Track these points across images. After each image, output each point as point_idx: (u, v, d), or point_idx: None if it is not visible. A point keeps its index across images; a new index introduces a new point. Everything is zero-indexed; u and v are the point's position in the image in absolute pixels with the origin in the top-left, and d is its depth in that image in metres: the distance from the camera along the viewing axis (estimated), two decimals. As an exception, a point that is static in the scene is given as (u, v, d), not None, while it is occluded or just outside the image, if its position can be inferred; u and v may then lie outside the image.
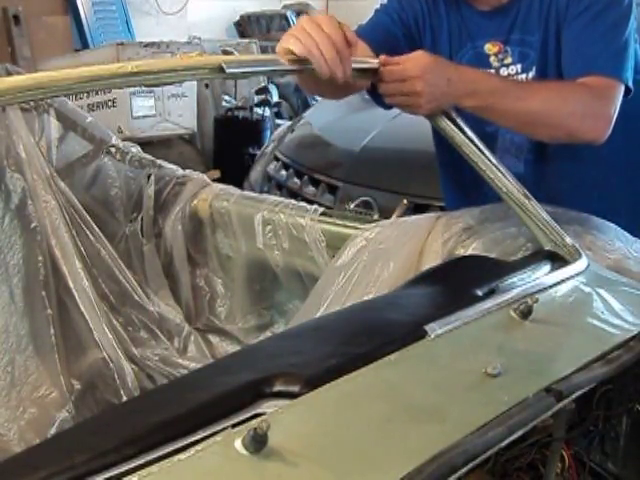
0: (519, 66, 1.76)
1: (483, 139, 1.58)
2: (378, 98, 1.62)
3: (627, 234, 1.65)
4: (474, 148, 1.58)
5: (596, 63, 1.62)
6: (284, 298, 2.35)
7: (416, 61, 1.51)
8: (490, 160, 1.56)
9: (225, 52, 5.37)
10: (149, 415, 0.95)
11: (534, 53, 1.73)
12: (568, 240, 1.51)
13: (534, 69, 1.74)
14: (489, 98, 1.58)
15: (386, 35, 1.81)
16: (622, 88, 1.64)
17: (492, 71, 1.77)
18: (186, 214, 2.44)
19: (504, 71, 1.77)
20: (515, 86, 1.68)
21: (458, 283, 1.36)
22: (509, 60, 1.76)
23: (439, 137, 1.81)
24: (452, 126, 1.61)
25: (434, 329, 1.16)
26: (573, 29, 1.66)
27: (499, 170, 1.56)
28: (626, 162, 1.82)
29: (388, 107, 1.69)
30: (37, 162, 2.25)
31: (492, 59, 1.78)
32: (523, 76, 1.76)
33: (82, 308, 2.18)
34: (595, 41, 1.63)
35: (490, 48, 1.77)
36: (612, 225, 1.66)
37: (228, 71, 1.26)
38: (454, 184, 2.00)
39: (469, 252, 1.60)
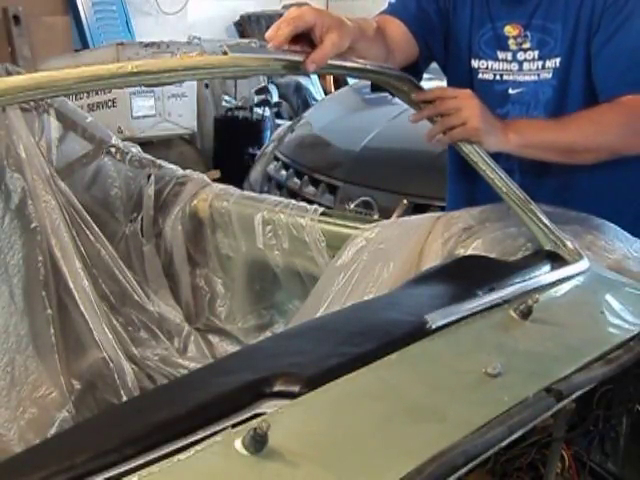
0: (537, 52, 1.74)
1: None
2: None
3: (627, 234, 1.65)
4: (472, 148, 1.58)
5: (634, 82, 1.63)
6: (284, 298, 2.35)
7: (468, 93, 1.58)
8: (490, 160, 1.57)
9: (225, 52, 5.36)
10: (149, 415, 0.95)
11: (554, 42, 1.72)
12: (568, 242, 1.51)
13: (558, 61, 1.72)
14: (536, 145, 1.64)
15: (418, 10, 1.83)
16: None
17: (509, 55, 1.77)
18: (186, 214, 2.44)
19: (521, 55, 1.76)
20: (554, 123, 1.68)
21: (458, 283, 1.36)
22: (527, 45, 1.75)
23: None
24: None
25: (435, 320, 1.17)
26: (611, 39, 1.65)
27: (499, 170, 1.56)
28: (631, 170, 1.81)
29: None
30: (37, 162, 2.25)
31: (510, 42, 1.77)
32: (540, 63, 1.74)
33: (82, 308, 2.18)
34: (632, 56, 1.64)
35: (510, 30, 1.76)
36: (612, 225, 1.65)
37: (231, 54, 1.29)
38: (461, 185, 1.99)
39: (469, 252, 1.60)
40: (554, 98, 1.74)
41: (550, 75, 1.74)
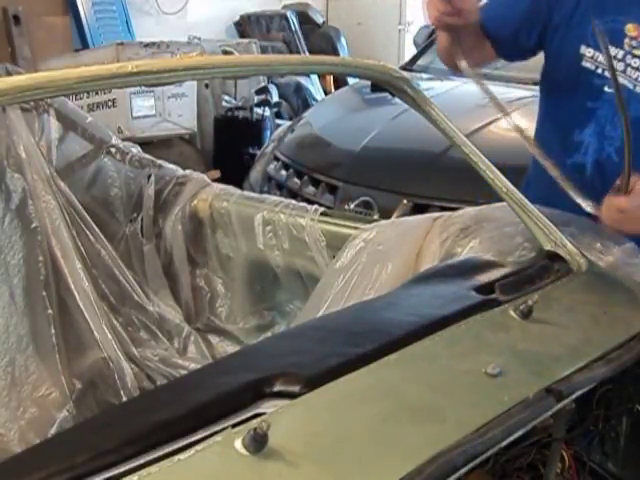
0: None
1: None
2: None
3: (623, 237, 1.64)
4: (474, 148, 1.58)
5: None
6: (284, 298, 2.35)
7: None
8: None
9: (225, 52, 5.36)
10: (149, 415, 0.95)
11: None
12: (568, 242, 1.51)
13: None
14: None
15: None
16: None
17: (620, 54, 1.70)
18: (186, 214, 2.44)
19: (629, 59, 1.70)
20: None
21: (458, 283, 1.36)
22: (638, 52, 1.68)
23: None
24: (452, 126, 1.61)
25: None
26: None
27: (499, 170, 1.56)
28: None
29: None
30: (37, 162, 2.25)
31: (626, 41, 1.69)
32: None
33: (82, 308, 2.18)
34: None
35: (630, 30, 1.69)
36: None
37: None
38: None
39: (466, 252, 1.61)
40: None
41: None
